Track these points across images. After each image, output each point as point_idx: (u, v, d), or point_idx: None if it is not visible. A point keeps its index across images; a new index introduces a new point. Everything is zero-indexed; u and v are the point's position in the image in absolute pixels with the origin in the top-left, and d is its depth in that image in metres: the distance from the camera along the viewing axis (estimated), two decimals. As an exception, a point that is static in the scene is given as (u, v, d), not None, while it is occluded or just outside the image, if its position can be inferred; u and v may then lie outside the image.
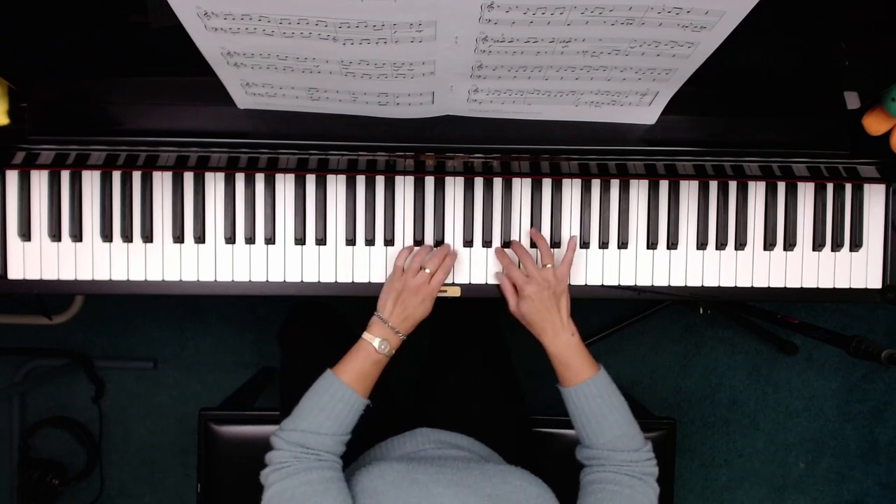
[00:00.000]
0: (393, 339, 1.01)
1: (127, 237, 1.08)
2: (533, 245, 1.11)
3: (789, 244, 1.12)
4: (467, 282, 1.11)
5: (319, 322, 1.26)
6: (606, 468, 0.94)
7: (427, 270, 1.04)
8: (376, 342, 0.99)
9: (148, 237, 1.08)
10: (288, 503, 0.85)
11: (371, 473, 0.89)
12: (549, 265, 1.05)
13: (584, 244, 1.11)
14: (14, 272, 1.07)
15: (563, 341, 1.01)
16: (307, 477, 0.86)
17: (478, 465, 0.94)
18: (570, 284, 1.08)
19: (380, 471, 0.89)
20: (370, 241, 1.10)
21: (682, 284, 1.12)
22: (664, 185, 1.12)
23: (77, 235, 1.07)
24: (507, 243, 1.11)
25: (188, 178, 1.08)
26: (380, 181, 1.10)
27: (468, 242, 1.11)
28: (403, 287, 1.03)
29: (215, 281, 1.09)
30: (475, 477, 0.89)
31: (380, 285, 1.10)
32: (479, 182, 1.11)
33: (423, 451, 1.05)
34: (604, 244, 1.11)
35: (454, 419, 1.14)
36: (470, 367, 1.23)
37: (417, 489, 0.85)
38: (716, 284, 1.13)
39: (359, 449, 1.08)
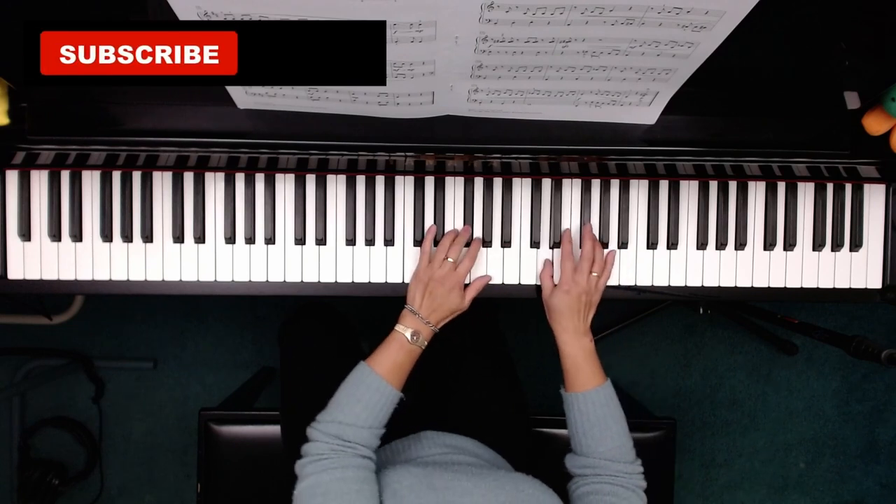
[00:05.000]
0: (425, 331, 1.01)
1: (127, 237, 1.08)
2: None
3: (789, 244, 1.12)
4: (467, 282, 1.11)
5: (319, 322, 1.26)
6: (601, 479, 0.94)
7: (450, 260, 1.04)
8: (408, 333, 1.00)
9: (148, 237, 1.08)
10: (321, 498, 0.84)
11: (389, 477, 0.89)
12: (595, 273, 1.05)
13: (584, 244, 1.11)
14: (14, 272, 1.07)
15: (580, 344, 1.02)
16: (343, 474, 0.86)
17: (490, 472, 0.94)
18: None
19: (398, 475, 0.89)
20: (370, 241, 1.10)
21: (682, 284, 1.12)
22: (664, 185, 1.12)
23: (77, 235, 1.07)
24: (556, 243, 1.11)
25: (188, 178, 1.08)
26: (380, 181, 1.10)
27: (468, 243, 1.10)
28: (430, 278, 1.03)
29: (215, 281, 1.09)
30: (489, 484, 0.88)
31: (380, 285, 1.10)
32: (479, 182, 1.11)
33: (431, 457, 1.05)
34: (604, 244, 1.11)
35: (457, 421, 1.13)
36: (471, 368, 1.23)
37: (435, 495, 0.85)
38: (716, 284, 1.12)
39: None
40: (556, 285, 1.06)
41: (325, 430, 0.91)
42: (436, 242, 1.08)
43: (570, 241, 1.08)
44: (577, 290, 1.03)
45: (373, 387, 0.95)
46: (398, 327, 1.01)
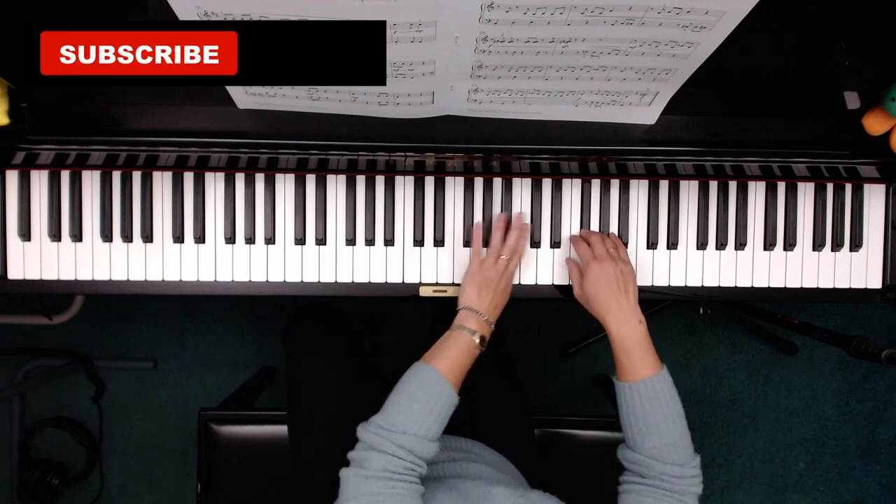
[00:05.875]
0: (487, 330, 0.99)
1: (127, 237, 1.08)
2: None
3: (789, 244, 1.12)
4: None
5: (319, 322, 1.26)
6: (646, 481, 0.89)
7: (504, 257, 1.03)
8: (476, 337, 0.96)
9: (148, 237, 1.08)
10: None
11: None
12: (611, 249, 1.03)
13: (584, 244, 1.11)
14: (14, 272, 1.07)
15: (629, 327, 0.95)
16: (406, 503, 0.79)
17: (507, 493, 0.87)
18: (570, 284, 1.08)
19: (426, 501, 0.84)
20: (370, 241, 1.10)
21: (682, 284, 1.12)
22: (664, 185, 1.12)
23: (77, 235, 1.07)
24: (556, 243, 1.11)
25: (188, 178, 1.08)
26: (380, 181, 1.10)
27: (468, 243, 1.10)
28: (485, 278, 1.01)
29: (215, 281, 1.09)
30: None
31: (380, 285, 1.10)
32: (479, 182, 1.11)
33: (442, 464, 1.01)
34: (604, 244, 1.11)
35: (461, 422, 1.13)
36: (474, 369, 1.22)
37: None
38: (716, 284, 1.12)
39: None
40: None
41: (398, 443, 0.83)
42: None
43: (577, 238, 1.08)
44: (602, 265, 1.00)
45: (444, 397, 0.89)
46: (463, 331, 0.96)
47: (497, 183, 1.11)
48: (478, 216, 1.10)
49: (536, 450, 1.23)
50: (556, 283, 1.11)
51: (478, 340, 0.96)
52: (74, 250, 1.08)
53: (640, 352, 0.94)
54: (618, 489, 0.92)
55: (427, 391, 0.88)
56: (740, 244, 1.12)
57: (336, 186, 1.10)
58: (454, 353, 0.94)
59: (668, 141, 0.99)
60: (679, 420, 0.93)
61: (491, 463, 1.05)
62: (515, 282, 1.11)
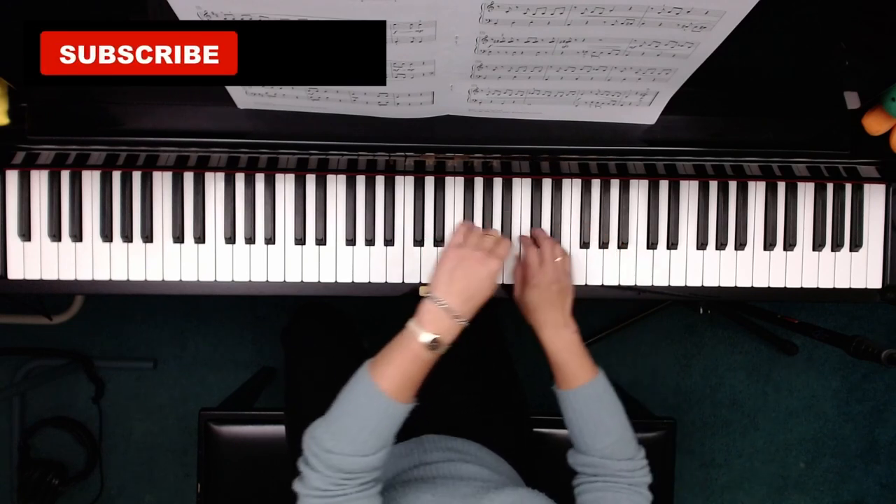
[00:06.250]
0: (451, 332, 0.86)
1: (127, 237, 1.08)
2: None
3: (789, 244, 1.12)
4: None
5: (319, 322, 1.26)
6: (603, 479, 0.92)
7: (491, 237, 0.96)
8: (427, 339, 0.84)
9: (148, 237, 1.08)
10: None
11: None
12: (559, 258, 1.02)
13: (584, 244, 1.11)
14: (14, 272, 1.07)
15: (564, 338, 0.97)
16: None
17: (498, 493, 0.87)
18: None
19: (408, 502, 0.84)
20: (370, 241, 1.10)
21: (682, 284, 1.12)
22: (664, 185, 1.12)
23: (77, 235, 1.07)
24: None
25: (188, 178, 1.08)
26: (380, 181, 1.10)
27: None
28: (464, 256, 0.91)
29: (215, 281, 1.09)
30: None
31: (380, 285, 1.10)
32: (479, 182, 1.11)
33: (434, 464, 1.01)
34: (604, 244, 1.11)
35: (457, 422, 1.13)
36: (470, 368, 1.23)
37: None
38: (716, 284, 1.12)
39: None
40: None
41: (327, 462, 0.80)
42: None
43: (528, 240, 1.06)
44: (547, 279, 0.99)
45: (381, 412, 0.82)
46: (414, 329, 0.86)
47: (497, 183, 1.11)
48: (478, 216, 1.10)
49: (534, 449, 1.23)
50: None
51: (428, 343, 0.84)
52: (74, 250, 1.08)
53: (577, 359, 0.96)
54: (574, 493, 0.94)
55: (363, 406, 0.82)
56: (740, 244, 1.12)
57: (336, 186, 1.10)
58: (398, 359, 0.84)
59: (668, 141, 0.99)
60: (622, 415, 0.95)
61: (486, 464, 1.05)
62: (511, 283, 1.11)
